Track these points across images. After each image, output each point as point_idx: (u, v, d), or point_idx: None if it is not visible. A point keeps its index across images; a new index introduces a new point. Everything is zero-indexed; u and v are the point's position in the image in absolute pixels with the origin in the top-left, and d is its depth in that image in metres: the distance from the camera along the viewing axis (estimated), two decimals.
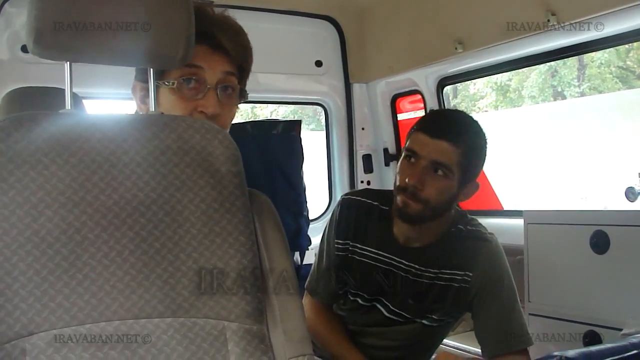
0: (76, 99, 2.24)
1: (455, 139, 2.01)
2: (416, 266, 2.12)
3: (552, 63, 12.75)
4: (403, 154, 2.08)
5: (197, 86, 1.54)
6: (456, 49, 3.03)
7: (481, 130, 2.09)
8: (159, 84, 1.51)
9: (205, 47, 1.52)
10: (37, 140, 1.20)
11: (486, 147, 2.10)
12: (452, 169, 2.01)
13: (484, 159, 2.11)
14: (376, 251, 2.16)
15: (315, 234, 3.34)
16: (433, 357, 2.29)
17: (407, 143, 2.08)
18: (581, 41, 2.76)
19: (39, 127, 1.21)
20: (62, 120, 1.24)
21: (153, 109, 1.39)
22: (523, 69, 13.05)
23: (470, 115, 2.16)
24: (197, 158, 1.29)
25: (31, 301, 1.15)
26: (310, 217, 3.71)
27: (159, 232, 1.24)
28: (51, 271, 1.17)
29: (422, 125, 2.09)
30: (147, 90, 1.44)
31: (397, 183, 2.06)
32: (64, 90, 1.30)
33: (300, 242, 3.52)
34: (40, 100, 2.15)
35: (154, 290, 1.23)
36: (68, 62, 1.29)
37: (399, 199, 2.05)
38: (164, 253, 1.24)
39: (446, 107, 3.57)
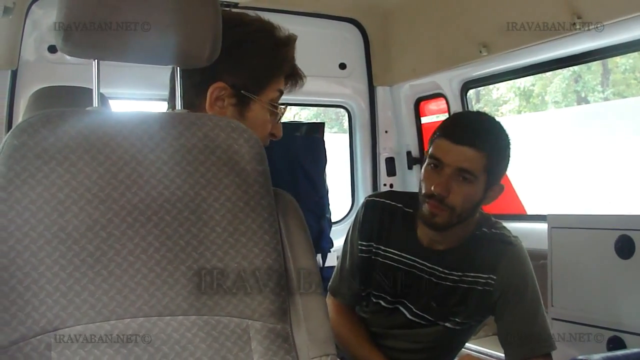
0: (103, 99, 2.25)
1: (480, 144, 2.00)
2: (439, 269, 2.12)
3: (576, 68, 12.71)
4: (427, 161, 2.07)
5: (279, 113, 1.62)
6: (481, 52, 3.02)
7: (504, 131, 2.08)
8: (255, 99, 1.54)
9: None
10: (64, 137, 1.21)
11: (509, 149, 2.08)
12: (477, 174, 2.00)
13: (508, 160, 2.10)
14: (399, 253, 2.16)
15: (338, 237, 3.35)
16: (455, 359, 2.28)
17: (431, 149, 2.07)
18: (606, 45, 2.75)
19: (67, 124, 1.21)
20: (89, 118, 1.25)
21: (180, 108, 1.40)
22: (547, 74, 13.04)
23: (492, 116, 2.15)
24: (222, 157, 1.29)
25: (57, 297, 1.16)
26: (333, 220, 3.72)
27: (184, 230, 1.25)
28: (77, 267, 1.18)
29: (445, 131, 2.08)
30: (236, 104, 1.53)
31: (423, 191, 2.06)
32: (90, 89, 1.31)
33: (322, 244, 3.53)
34: (67, 99, 2.17)
35: (179, 288, 1.23)
36: (96, 60, 1.29)
37: (426, 207, 2.04)
38: (188, 251, 1.24)
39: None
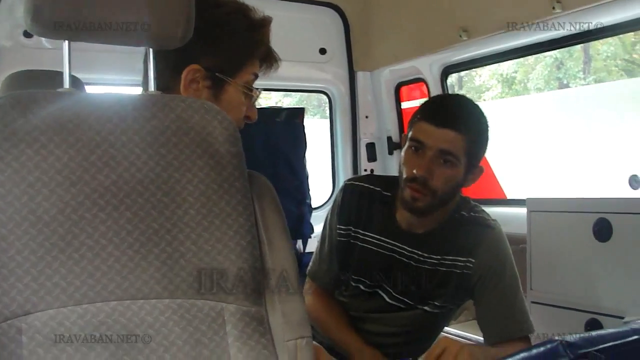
0: (78, 83, 2.23)
1: (461, 126, 1.99)
2: (419, 252, 2.11)
3: (558, 55, 12.73)
4: (407, 144, 2.07)
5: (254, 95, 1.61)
6: (461, 36, 3.01)
7: (483, 114, 2.09)
8: (229, 81, 1.53)
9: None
10: (34, 118, 1.19)
11: (488, 131, 2.09)
12: (459, 156, 2.00)
13: (487, 142, 2.10)
14: (378, 237, 2.16)
15: (318, 222, 3.34)
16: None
17: (411, 132, 2.06)
18: (586, 29, 2.75)
19: (37, 106, 1.19)
20: (60, 100, 1.23)
21: (153, 89, 1.38)
22: (529, 61, 13.06)
23: (471, 99, 2.15)
24: (196, 138, 1.28)
25: (28, 280, 1.14)
26: (313, 205, 3.72)
27: (157, 212, 1.23)
28: (48, 250, 1.16)
29: (426, 113, 2.07)
30: (211, 86, 1.51)
31: (405, 175, 2.04)
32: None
33: (302, 229, 3.53)
34: (41, 82, 2.14)
35: (152, 271, 1.22)
36: (67, 41, 1.27)
37: (407, 191, 2.03)
38: (162, 234, 1.23)
39: None
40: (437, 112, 2.06)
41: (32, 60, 2.91)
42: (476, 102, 2.15)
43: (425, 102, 2.20)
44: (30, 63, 2.81)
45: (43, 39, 3.01)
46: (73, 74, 1.32)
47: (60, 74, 1.31)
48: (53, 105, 1.21)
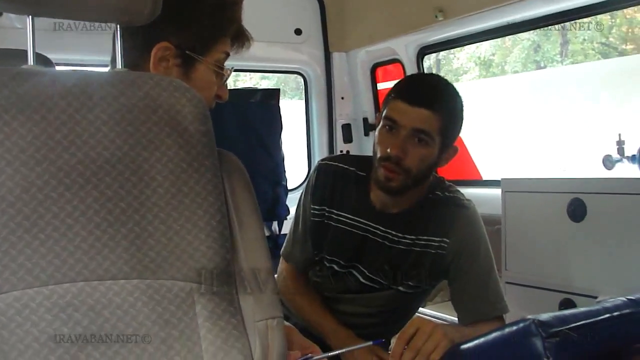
0: (47, 62, 2.19)
1: (435, 105, 1.98)
2: (393, 232, 2.11)
3: (536, 38, 12.77)
4: (381, 123, 2.05)
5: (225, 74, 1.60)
6: (436, 17, 3.00)
7: (457, 93, 2.08)
8: (200, 60, 1.51)
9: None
10: None
11: (463, 111, 2.08)
12: (433, 135, 1.99)
13: (462, 122, 2.09)
14: (352, 217, 2.15)
15: (294, 204, 3.32)
16: None
17: (385, 111, 2.05)
18: (563, 9, 2.75)
19: None
20: (23, 77, 1.20)
21: (120, 67, 1.35)
22: (506, 44, 13.09)
23: (445, 78, 2.14)
24: (164, 116, 1.25)
25: None
26: (289, 187, 3.71)
27: (125, 191, 1.21)
28: (12, 231, 1.14)
29: (400, 92, 2.05)
30: (181, 64, 1.50)
31: (379, 154, 2.03)
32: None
33: (278, 211, 3.52)
34: (6, 62, 2.10)
35: (120, 251, 1.20)
36: (30, 17, 1.24)
37: (381, 171, 2.02)
38: (129, 213, 1.21)
39: None
40: (412, 91, 2.05)
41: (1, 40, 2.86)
42: (452, 83, 2.14)
43: (400, 81, 2.19)
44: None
45: (13, 17, 2.96)
46: (43, 54, 1.29)
47: (27, 52, 1.28)
48: (16, 83, 1.18)
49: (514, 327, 1.47)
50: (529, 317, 1.44)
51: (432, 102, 1.98)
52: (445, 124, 2.00)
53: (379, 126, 2.06)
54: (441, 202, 2.11)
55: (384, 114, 2.04)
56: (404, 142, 1.98)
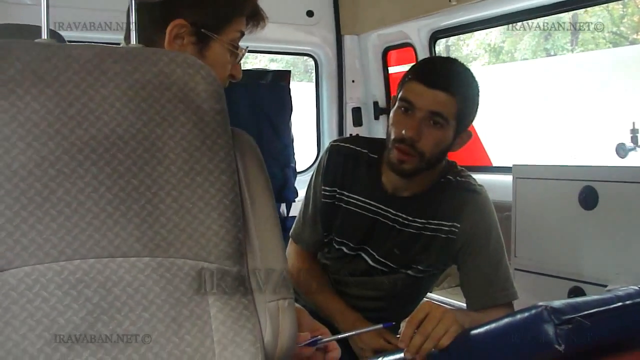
0: (59, 39, 2.18)
1: (453, 88, 1.97)
2: (403, 215, 2.10)
3: (547, 26, 12.69)
4: (397, 104, 2.03)
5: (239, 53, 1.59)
6: (450, 1, 2.98)
7: (474, 78, 2.06)
8: (215, 38, 1.50)
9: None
10: (9, 70, 1.14)
11: (479, 96, 2.06)
12: (449, 119, 1.98)
13: (477, 107, 2.08)
14: (363, 199, 2.14)
15: (302, 186, 3.31)
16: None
17: (401, 93, 2.03)
18: None
19: (12, 56, 1.15)
20: (37, 50, 1.18)
21: (135, 42, 1.34)
22: (517, 31, 13.00)
23: (463, 63, 2.12)
24: (178, 94, 1.24)
25: (2, 236, 1.11)
26: (298, 169, 3.70)
27: (138, 168, 1.20)
28: (24, 206, 1.13)
29: (417, 74, 2.04)
30: (196, 42, 1.49)
31: (393, 136, 2.02)
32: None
33: (286, 194, 3.51)
34: (19, 36, 2.08)
35: (131, 229, 1.19)
36: None
37: (394, 153, 2.01)
38: (142, 190, 1.20)
39: None
40: (429, 73, 2.04)
41: (11, 16, 2.85)
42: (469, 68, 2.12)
43: (417, 63, 2.18)
44: (9, 19, 2.76)
45: None
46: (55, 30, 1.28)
47: (40, 28, 1.27)
48: (30, 56, 1.16)
49: (526, 314, 1.46)
50: (541, 303, 1.43)
51: (449, 85, 1.97)
52: (461, 108, 1.98)
53: (394, 107, 2.04)
54: (453, 186, 2.10)
55: (399, 96, 2.02)
56: (419, 124, 1.97)
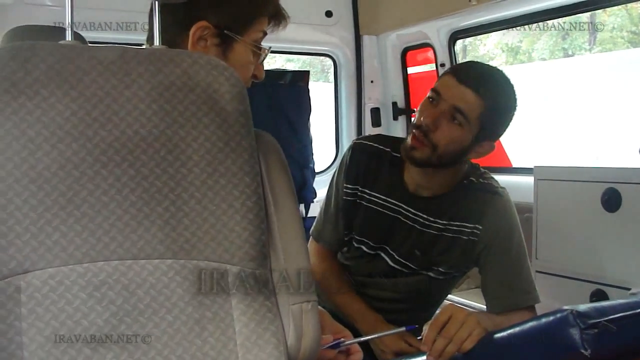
0: (81, 40, 2.19)
1: (482, 90, 1.96)
2: (424, 216, 2.09)
3: (565, 25, 12.62)
4: (428, 94, 2.04)
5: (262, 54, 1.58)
6: (470, 1, 2.96)
7: (513, 93, 2.03)
8: (238, 39, 1.50)
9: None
10: (35, 71, 1.14)
11: (514, 112, 2.04)
12: (470, 119, 1.96)
13: (508, 123, 2.05)
14: (385, 198, 2.13)
15: (321, 187, 3.33)
16: (438, 311, 2.26)
17: (435, 85, 2.04)
18: None
19: (37, 58, 1.15)
20: (62, 52, 1.18)
21: (158, 44, 1.34)
22: (534, 31, 12.94)
23: (507, 75, 2.07)
24: (202, 95, 1.24)
25: (27, 238, 1.11)
26: (316, 170, 3.69)
27: (161, 170, 1.20)
28: (48, 208, 1.13)
29: (453, 69, 2.08)
30: (219, 44, 1.48)
31: (414, 121, 2.04)
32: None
33: (305, 194, 3.50)
34: (43, 38, 2.09)
35: (155, 230, 1.19)
36: None
37: (409, 138, 2.02)
38: (165, 192, 1.20)
39: (457, 62, 3.51)
40: (464, 70, 2.05)
41: (32, 18, 2.86)
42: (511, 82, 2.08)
43: (461, 62, 2.18)
44: (30, 21, 2.77)
45: None
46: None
47: (63, 29, 1.27)
48: (55, 58, 1.16)
49: (551, 317, 1.44)
50: (566, 307, 1.41)
51: (479, 85, 1.96)
52: (487, 114, 1.96)
53: (425, 97, 2.05)
54: (475, 188, 2.08)
55: (433, 87, 2.03)
56: (439, 115, 1.97)
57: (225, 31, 1.49)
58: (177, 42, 1.47)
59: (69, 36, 1.25)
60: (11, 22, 2.79)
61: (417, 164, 2.03)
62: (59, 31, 2.04)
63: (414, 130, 2.00)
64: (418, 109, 2.05)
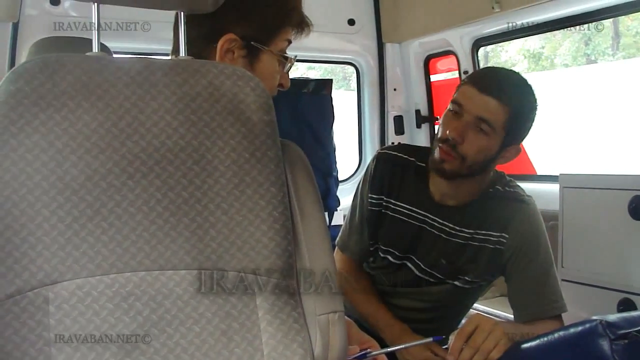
0: (106, 50, 2.21)
1: (505, 97, 1.94)
2: (450, 225, 2.08)
3: (587, 31, 12.55)
4: (449, 106, 2.03)
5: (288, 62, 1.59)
6: (493, 8, 2.95)
7: (533, 94, 2.02)
8: (264, 49, 1.51)
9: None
10: (62, 83, 1.15)
11: (535, 113, 2.02)
12: (496, 128, 1.95)
13: (532, 124, 2.03)
14: (410, 207, 2.12)
15: (345, 195, 3.32)
16: (463, 320, 2.24)
17: (455, 95, 2.02)
18: (620, 2, 2.69)
19: (65, 70, 1.16)
20: (88, 64, 1.19)
21: (184, 54, 1.34)
22: (556, 37, 12.89)
23: (524, 77, 2.07)
24: (228, 106, 1.24)
25: (55, 249, 1.12)
26: (340, 178, 3.68)
27: (187, 181, 1.20)
28: (75, 219, 1.13)
29: (472, 78, 2.05)
30: (246, 55, 1.49)
31: (439, 135, 2.02)
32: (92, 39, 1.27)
33: (329, 202, 3.49)
34: (69, 49, 2.10)
35: (181, 241, 1.19)
36: (95, 4, 1.24)
37: (437, 151, 2.00)
38: (192, 203, 1.20)
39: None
40: (484, 78, 2.03)
41: (58, 29, 2.89)
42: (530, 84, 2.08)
43: (477, 70, 2.16)
44: (56, 32, 2.79)
45: (68, 6, 2.99)
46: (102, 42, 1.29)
47: (89, 41, 1.28)
48: (81, 70, 1.17)
49: (579, 327, 1.43)
50: (595, 317, 1.40)
51: (501, 92, 1.94)
52: (512, 120, 1.95)
53: (446, 109, 2.03)
54: (501, 196, 2.07)
55: (453, 98, 2.01)
56: (464, 127, 1.95)
57: (252, 42, 1.49)
58: (203, 55, 1.47)
59: (95, 48, 1.26)
60: (36, 34, 2.84)
61: (448, 176, 2.01)
62: (85, 42, 2.06)
63: (440, 145, 1.99)
64: (441, 122, 2.03)
